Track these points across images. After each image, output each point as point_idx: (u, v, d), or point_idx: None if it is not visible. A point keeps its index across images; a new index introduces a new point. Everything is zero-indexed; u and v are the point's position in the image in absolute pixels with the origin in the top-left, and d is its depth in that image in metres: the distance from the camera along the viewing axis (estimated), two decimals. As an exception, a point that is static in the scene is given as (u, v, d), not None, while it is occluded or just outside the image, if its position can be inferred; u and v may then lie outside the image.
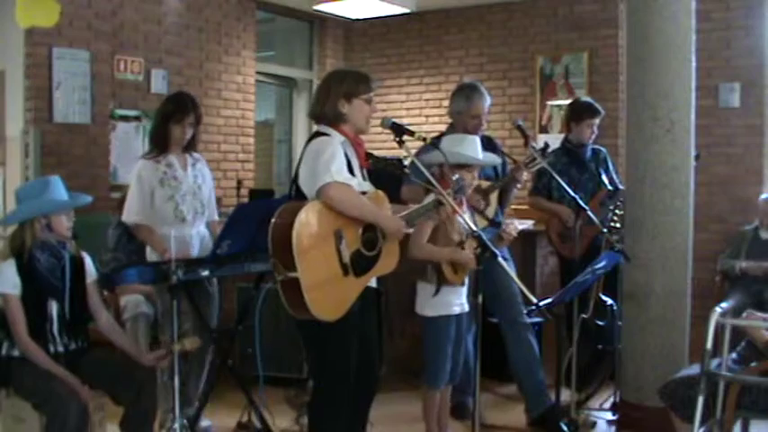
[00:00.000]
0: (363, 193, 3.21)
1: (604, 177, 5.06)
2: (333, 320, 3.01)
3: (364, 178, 3.31)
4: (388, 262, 3.23)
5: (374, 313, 3.38)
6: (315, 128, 3.33)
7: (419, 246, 3.54)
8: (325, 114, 3.22)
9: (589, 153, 5.13)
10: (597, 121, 5.09)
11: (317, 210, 3.00)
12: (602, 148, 5.27)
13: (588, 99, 5.33)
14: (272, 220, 2.98)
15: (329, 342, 3.16)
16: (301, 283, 2.90)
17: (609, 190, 4.99)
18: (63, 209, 3.52)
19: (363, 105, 3.24)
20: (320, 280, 2.96)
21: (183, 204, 4.10)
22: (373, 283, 3.32)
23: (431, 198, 3.42)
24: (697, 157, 4.62)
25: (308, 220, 2.96)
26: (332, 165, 3.03)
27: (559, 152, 5.08)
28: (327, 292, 3.00)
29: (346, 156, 3.16)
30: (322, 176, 3.01)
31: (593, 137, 5.12)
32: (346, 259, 3.04)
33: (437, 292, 3.59)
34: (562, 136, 5.47)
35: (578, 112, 5.11)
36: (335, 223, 3.02)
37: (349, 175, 3.11)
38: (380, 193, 3.27)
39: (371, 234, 3.15)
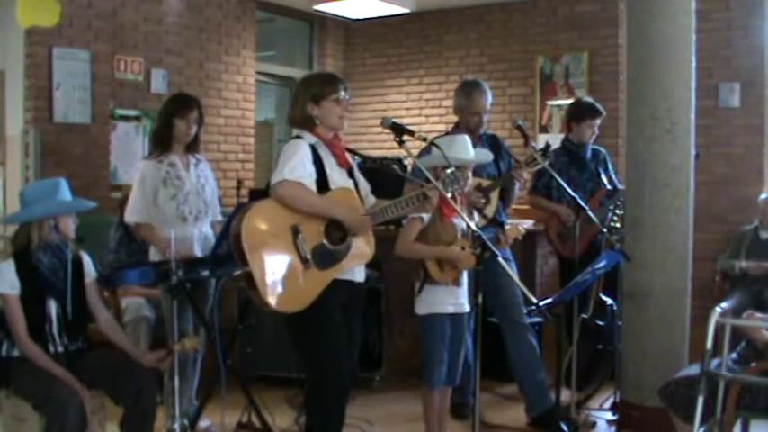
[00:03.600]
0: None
1: (603, 177, 5.06)
2: (301, 312, 3.11)
3: (351, 176, 3.38)
4: (359, 255, 3.29)
5: (358, 310, 3.45)
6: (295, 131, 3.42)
7: (406, 244, 3.56)
8: (297, 119, 3.32)
9: (589, 153, 5.14)
10: (598, 121, 5.09)
11: (268, 207, 3.15)
12: (602, 149, 5.27)
13: (589, 100, 5.34)
14: (235, 218, 3.14)
15: (317, 341, 3.21)
16: (254, 276, 3.04)
17: (608, 190, 4.99)
18: (74, 211, 3.55)
19: (333, 106, 3.30)
20: (275, 273, 3.09)
21: (186, 204, 4.10)
22: (360, 277, 3.36)
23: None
24: (697, 157, 4.61)
25: (257, 217, 3.11)
26: (286, 165, 3.15)
27: (559, 152, 5.08)
28: (284, 286, 3.11)
29: (318, 156, 3.24)
30: (275, 176, 3.15)
31: (594, 137, 5.13)
32: (305, 253, 3.13)
33: (420, 290, 3.61)
34: (561, 135, 5.48)
35: (579, 113, 5.11)
36: (292, 219, 3.13)
37: (304, 174, 3.17)
38: (346, 188, 3.32)
39: (339, 228, 3.22)
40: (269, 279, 3.08)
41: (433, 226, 3.58)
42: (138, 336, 4.51)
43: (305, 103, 3.28)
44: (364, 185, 3.45)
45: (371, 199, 3.44)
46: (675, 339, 4.16)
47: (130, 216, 4.13)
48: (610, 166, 5.21)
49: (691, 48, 4.15)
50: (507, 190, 4.48)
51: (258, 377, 4.89)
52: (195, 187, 4.16)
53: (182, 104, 4.15)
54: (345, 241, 3.23)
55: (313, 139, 3.28)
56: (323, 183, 3.23)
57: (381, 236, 3.45)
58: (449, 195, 3.31)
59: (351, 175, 3.39)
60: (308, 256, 3.13)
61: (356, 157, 4.28)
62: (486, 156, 3.90)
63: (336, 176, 3.29)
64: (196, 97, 4.34)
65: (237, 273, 3.13)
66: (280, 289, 3.10)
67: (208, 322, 3.98)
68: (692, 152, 4.23)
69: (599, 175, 5.07)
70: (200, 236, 4.15)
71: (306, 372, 3.36)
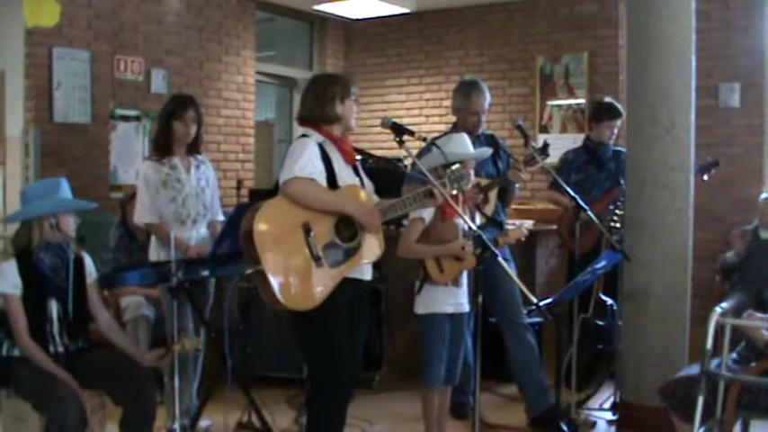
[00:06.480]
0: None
1: (621, 178, 5.04)
2: (308, 309, 3.10)
3: (358, 174, 3.37)
4: (369, 252, 3.29)
5: (365, 308, 3.45)
6: (300, 130, 3.41)
7: (407, 245, 3.56)
8: (325, 115, 3.29)
9: (609, 153, 5.15)
10: (618, 122, 5.10)
11: (279, 205, 3.14)
12: (625, 150, 5.27)
13: (609, 100, 5.32)
14: (244, 216, 3.12)
15: (322, 339, 3.21)
16: (267, 275, 3.03)
17: (623, 191, 4.98)
18: (74, 209, 3.56)
19: (353, 105, 3.35)
20: (287, 271, 3.08)
21: (185, 207, 4.11)
22: (367, 276, 3.35)
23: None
24: (716, 164, 4.65)
25: (269, 214, 3.10)
26: (296, 163, 3.15)
27: (580, 150, 5.18)
28: (297, 283, 3.10)
29: (325, 154, 3.24)
30: (285, 174, 3.14)
31: (614, 138, 5.15)
32: (317, 251, 3.12)
33: (420, 289, 3.61)
34: (562, 135, 5.49)
35: (598, 114, 5.17)
36: (303, 217, 3.13)
37: (314, 171, 3.17)
38: (355, 185, 3.32)
39: (348, 226, 3.21)
40: (282, 277, 3.07)
41: (435, 225, 3.58)
42: (138, 334, 4.51)
43: (334, 101, 3.28)
44: (368, 184, 3.45)
45: (374, 198, 3.44)
46: (675, 339, 4.16)
47: (141, 217, 4.14)
48: None
49: (691, 48, 4.15)
50: (506, 189, 4.48)
51: (258, 377, 4.89)
52: (195, 190, 4.16)
53: (177, 106, 4.16)
54: (356, 238, 3.23)
55: (320, 138, 3.28)
56: (332, 180, 3.23)
57: (381, 235, 3.45)
58: (453, 193, 3.31)
59: (356, 173, 3.39)
60: (320, 254, 3.13)
61: (359, 156, 4.29)
62: (484, 151, 3.90)
63: (344, 174, 3.29)
64: (192, 96, 4.35)
65: (249, 271, 3.09)
66: (293, 287, 3.09)
67: (208, 322, 3.98)
68: (692, 152, 4.22)
69: (618, 175, 5.07)
70: (198, 237, 4.16)
71: (309, 370, 3.35)
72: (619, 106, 5.15)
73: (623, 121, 5.16)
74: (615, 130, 5.12)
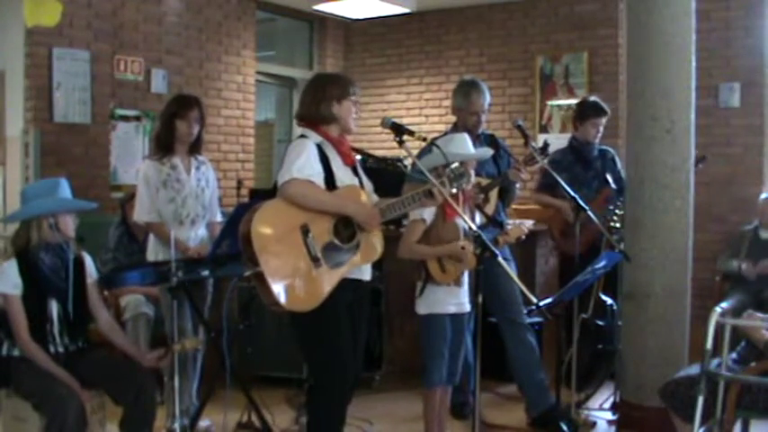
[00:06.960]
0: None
1: (609, 177, 5.05)
2: (308, 311, 3.10)
3: (357, 175, 3.37)
4: (369, 252, 3.28)
5: (365, 309, 3.45)
6: (300, 131, 3.41)
7: (408, 246, 3.56)
8: (321, 115, 3.29)
9: (596, 152, 5.15)
10: (602, 120, 5.10)
11: (277, 206, 3.14)
12: (611, 149, 5.28)
13: (595, 99, 5.33)
14: (243, 218, 3.12)
15: (322, 339, 3.21)
16: (266, 277, 3.03)
17: (613, 189, 4.99)
18: (73, 209, 3.55)
19: (351, 106, 3.34)
20: (286, 273, 3.08)
21: (184, 207, 4.11)
22: (367, 276, 3.35)
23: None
24: (703, 159, 4.63)
25: (267, 217, 3.10)
26: (294, 164, 3.15)
27: (566, 150, 5.15)
28: (296, 285, 3.10)
29: (324, 155, 3.24)
30: (283, 175, 3.14)
31: (599, 136, 5.14)
32: (316, 252, 3.12)
33: (422, 290, 3.61)
34: (561, 135, 5.49)
35: (583, 112, 5.15)
36: (301, 218, 3.13)
37: (312, 173, 3.17)
38: (354, 186, 3.32)
39: (347, 226, 3.21)
40: (281, 279, 3.07)
41: (436, 226, 3.58)
42: (138, 332, 4.52)
43: (330, 100, 3.28)
44: (367, 184, 3.45)
45: (374, 198, 3.44)
46: (675, 339, 4.16)
47: (141, 215, 4.14)
48: (618, 166, 5.21)
49: (691, 48, 4.15)
50: (507, 189, 4.48)
51: (258, 377, 4.89)
52: (195, 191, 4.16)
53: (182, 105, 4.17)
54: (354, 239, 3.23)
55: (318, 139, 3.28)
56: (330, 181, 3.23)
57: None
58: (454, 191, 3.31)
59: (355, 173, 3.39)
60: (319, 255, 3.13)
61: (358, 156, 4.29)
62: (486, 152, 3.90)
63: (342, 175, 3.29)
64: (197, 97, 4.36)
65: (248, 273, 3.09)
66: (291, 289, 3.09)
67: (208, 322, 3.98)
68: (693, 152, 4.23)
69: (605, 173, 5.07)
70: (197, 238, 4.16)
71: (310, 370, 3.36)
72: (604, 105, 5.16)
73: (608, 119, 5.18)
74: (600, 129, 5.12)
